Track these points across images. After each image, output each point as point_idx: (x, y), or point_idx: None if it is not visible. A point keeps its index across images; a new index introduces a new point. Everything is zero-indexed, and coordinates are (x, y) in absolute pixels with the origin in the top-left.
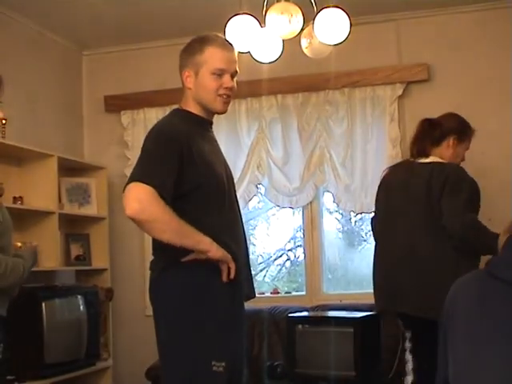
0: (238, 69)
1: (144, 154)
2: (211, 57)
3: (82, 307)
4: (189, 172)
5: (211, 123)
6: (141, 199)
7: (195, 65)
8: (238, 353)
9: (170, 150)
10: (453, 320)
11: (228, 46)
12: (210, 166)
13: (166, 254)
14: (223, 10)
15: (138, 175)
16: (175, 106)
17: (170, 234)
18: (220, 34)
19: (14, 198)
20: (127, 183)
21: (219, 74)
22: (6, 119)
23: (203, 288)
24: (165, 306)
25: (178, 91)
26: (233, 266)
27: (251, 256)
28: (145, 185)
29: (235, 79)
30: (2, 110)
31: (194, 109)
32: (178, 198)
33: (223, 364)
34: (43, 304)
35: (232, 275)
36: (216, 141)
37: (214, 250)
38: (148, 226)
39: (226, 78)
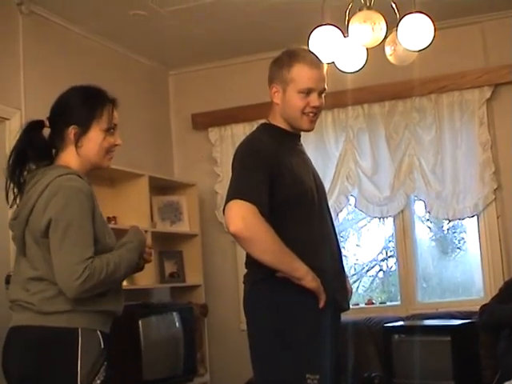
0: (326, 86)
1: (239, 171)
2: (299, 75)
3: (177, 324)
4: (278, 187)
5: (299, 136)
6: (245, 217)
7: (283, 81)
8: (331, 365)
9: (262, 167)
10: None
11: (317, 63)
12: (298, 179)
13: (258, 267)
14: (306, 22)
15: (239, 192)
16: (262, 121)
17: (270, 255)
18: (308, 49)
19: (108, 218)
20: (227, 200)
21: (307, 92)
22: None
23: (293, 301)
24: (256, 319)
25: (264, 106)
26: (323, 298)
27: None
28: (247, 202)
29: (323, 95)
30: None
31: (281, 123)
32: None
33: (317, 377)
34: (140, 321)
35: (322, 305)
36: (305, 153)
37: (309, 280)
38: (249, 244)
39: (313, 96)
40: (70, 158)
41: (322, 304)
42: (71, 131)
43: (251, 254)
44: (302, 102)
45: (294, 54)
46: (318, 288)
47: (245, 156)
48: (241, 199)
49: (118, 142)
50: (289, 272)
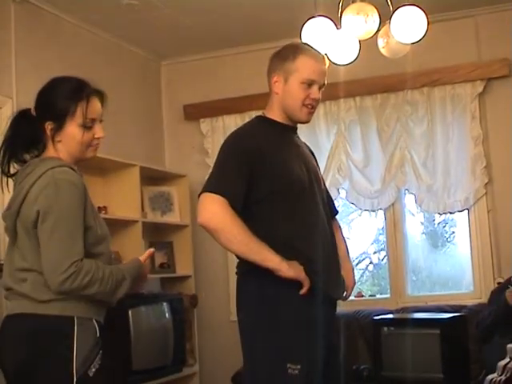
0: (326, 81)
1: (218, 164)
2: (303, 66)
3: (167, 314)
4: (263, 179)
5: (295, 129)
6: (211, 209)
7: (285, 71)
8: (316, 356)
9: (243, 161)
10: None
11: (320, 57)
12: (285, 172)
13: None
14: (299, 14)
15: (212, 186)
16: (254, 112)
17: (238, 245)
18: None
19: (99, 207)
20: (200, 193)
21: (309, 84)
22: None
23: (279, 292)
24: (244, 308)
25: (256, 97)
26: (307, 284)
27: None
28: (217, 195)
29: (321, 91)
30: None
31: (277, 116)
32: (254, 203)
33: (298, 367)
34: (130, 312)
35: (304, 291)
36: (300, 146)
37: (285, 270)
38: (216, 236)
39: (314, 89)
40: (56, 150)
41: (304, 290)
42: (47, 127)
43: (221, 245)
44: (303, 93)
45: (299, 46)
46: (298, 275)
47: (228, 149)
48: (212, 192)
49: (99, 135)
50: (260, 263)
